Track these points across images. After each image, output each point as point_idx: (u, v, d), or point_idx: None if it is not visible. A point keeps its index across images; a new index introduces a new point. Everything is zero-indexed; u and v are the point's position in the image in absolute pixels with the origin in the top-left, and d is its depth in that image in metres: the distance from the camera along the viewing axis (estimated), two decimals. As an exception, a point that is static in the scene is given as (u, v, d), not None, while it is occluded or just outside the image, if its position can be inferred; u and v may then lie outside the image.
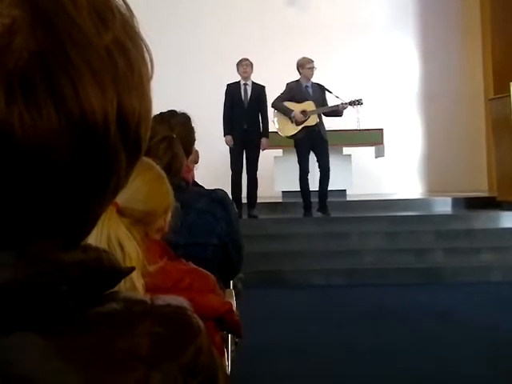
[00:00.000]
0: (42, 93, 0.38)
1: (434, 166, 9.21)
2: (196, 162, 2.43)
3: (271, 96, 6.42)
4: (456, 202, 7.28)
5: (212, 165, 7.35)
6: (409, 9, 9.53)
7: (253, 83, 6.42)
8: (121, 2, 0.43)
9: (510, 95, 6.29)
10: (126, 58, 0.41)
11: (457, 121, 9.12)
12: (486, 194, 7.91)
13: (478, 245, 5.91)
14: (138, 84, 0.42)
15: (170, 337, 0.44)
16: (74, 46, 0.38)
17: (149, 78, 0.44)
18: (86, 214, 0.43)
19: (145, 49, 0.44)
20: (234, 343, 2.01)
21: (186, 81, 8.94)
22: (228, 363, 1.85)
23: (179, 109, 2.12)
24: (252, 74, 6.44)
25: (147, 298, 0.47)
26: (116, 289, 0.46)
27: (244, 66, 6.37)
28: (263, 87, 6.40)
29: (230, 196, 6.60)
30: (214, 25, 9.22)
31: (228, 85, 6.48)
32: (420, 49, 9.53)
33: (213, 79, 6.78)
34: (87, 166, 0.40)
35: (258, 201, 6.82)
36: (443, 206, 7.22)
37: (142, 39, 0.44)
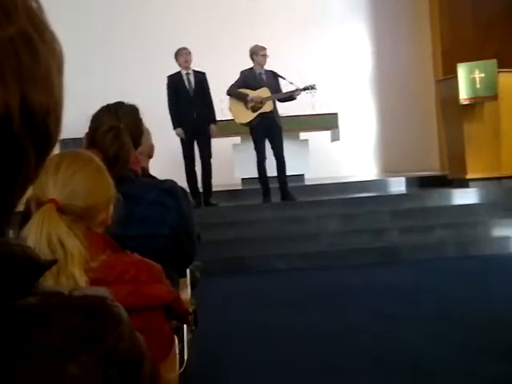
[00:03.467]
0: None
1: (388, 148, 9.40)
2: (150, 156, 2.41)
3: (225, 84, 6.42)
4: (410, 182, 7.45)
5: (169, 156, 7.32)
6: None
7: (194, 71, 6.39)
8: None
9: (456, 76, 6.45)
10: (31, 51, 0.41)
11: (408, 103, 9.32)
12: (438, 173, 8.13)
13: (432, 222, 6.07)
14: (45, 77, 0.42)
15: (87, 327, 0.44)
16: None
17: (59, 70, 0.44)
18: None
19: (54, 41, 0.43)
20: (191, 331, 2.03)
21: (133, 72, 8.84)
22: (184, 351, 1.87)
23: (128, 100, 2.11)
24: (193, 63, 6.39)
25: (65, 289, 0.47)
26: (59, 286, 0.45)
27: (185, 55, 6.31)
28: (204, 74, 6.40)
29: (187, 186, 6.55)
30: (162, 14, 9.12)
31: (169, 76, 6.40)
32: (371, 34, 9.65)
33: (162, 69, 6.71)
34: None
35: (218, 189, 6.83)
36: (398, 185, 7.38)
37: (51, 32, 0.43)
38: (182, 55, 6.35)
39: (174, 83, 6.35)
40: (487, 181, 6.50)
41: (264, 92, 6.24)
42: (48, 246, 1.05)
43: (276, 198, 6.49)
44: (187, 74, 6.38)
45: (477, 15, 8.54)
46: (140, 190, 1.85)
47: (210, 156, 6.39)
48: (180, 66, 6.39)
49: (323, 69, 9.18)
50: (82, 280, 1.04)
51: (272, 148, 6.31)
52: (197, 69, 6.44)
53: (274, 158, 6.32)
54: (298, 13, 9.26)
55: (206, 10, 9.16)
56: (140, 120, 2.02)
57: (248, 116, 6.31)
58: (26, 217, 1.27)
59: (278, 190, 6.44)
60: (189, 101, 6.28)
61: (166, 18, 9.08)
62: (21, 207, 1.47)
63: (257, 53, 6.25)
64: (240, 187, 7.80)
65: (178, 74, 6.40)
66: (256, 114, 6.26)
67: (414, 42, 9.51)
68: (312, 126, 8.03)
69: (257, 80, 6.29)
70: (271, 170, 6.37)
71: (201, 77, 6.38)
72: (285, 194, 6.43)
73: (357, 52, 9.59)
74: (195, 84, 6.35)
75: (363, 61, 9.63)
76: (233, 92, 6.34)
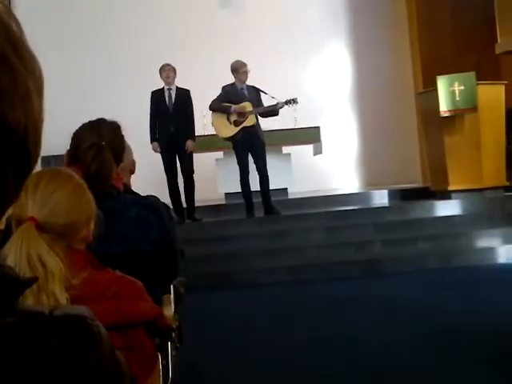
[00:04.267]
0: None
1: (370, 161, 9.47)
2: (132, 172, 2.41)
3: (207, 99, 6.45)
4: (392, 194, 7.50)
5: (152, 172, 7.31)
6: (339, 11, 9.76)
7: (177, 88, 6.45)
8: (7, 16, 0.42)
9: (436, 89, 6.54)
10: (9, 72, 0.41)
11: (389, 116, 9.42)
12: (420, 185, 8.20)
13: (415, 234, 6.11)
14: (24, 98, 0.42)
15: (67, 346, 0.44)
16: None
17: (39, 92, 0.44)
18: None
19: (34, 63, 0.44)
20: (175, 348, 2.01)
21: (117, 87, 8.84)
22: (169, 368, 1.85)
23: (112, 115, 2.11)
24: (176, 79, 6.45)
25: (46, 309, 0.46)
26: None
27: (166, 71, 6.39)
28: (188, 91, 6.44)
29: (170, 201, 6.52)
30: (147, 29, 9.15)
31: (152, 92, 6.50)
32: (351, 48, 9.78)
33: (146, 84, 6.74)
34: None
35: (202, 204, 6.82)
36: (380, 198, 7.43)
37: (30, 53, 0.44)
38: (164, 71, 6.44)
39: (156, 98, 6.43)
40: (469, 192, 6.56)
41: (246, 106, 6.27)
42: (28, 265, 1.05)
43: (260, 212, 6.49)
44: (169, 89, 6.43)
45: (455, 28, 8.70)
46: (122, 206, 1.85)
47: (191, 171, 6.40)
48: (163, 81, 6.45)
49: (304, 83, 9.26)
50: (63, 298, 1.03)
51: (255, 162, 6.33)
52: (180, 84, 6.48)
53: (256, 172, 6.33)
54: (280, 29, 9.35)
55: (190, 25, 9.21)
56: (122, 137, 2.02)
57: (231, 130, 6.32)
58: (6, 235, 1.26)
59: (261, 204, 6.44)
60: (167, 116, 6.33)
61: (151, 33, 9.12)
62: (1, 226, 1.46)
63: (237, 70, 6.29)
64: (223, 202, 7.79)
65: (161, 89, 6.46)
66: (238, 128, 6.28)
67: (393, 56, 9.65)
68: (294, 139, 8.08)
69: (238, 95, 6.32)
70: (255, 185, 6.38)
71: (184, 93, 6.42)
72: (268, 208, 6.44)
73: (337, 66, 9.69)
74: (175, 100, 6.39)
75: (344, 75, 9.73)
76: (215, 106, 6.36)
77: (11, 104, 0.41)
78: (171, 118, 6.30)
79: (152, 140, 6.38)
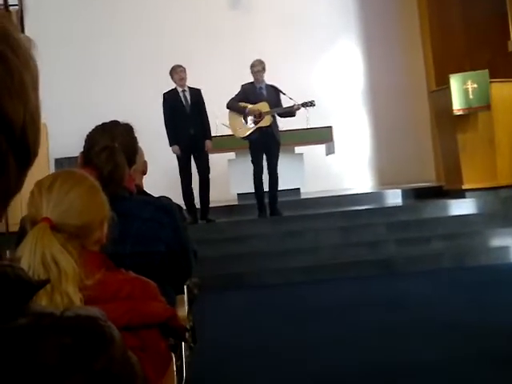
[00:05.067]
0: None
1: (384, 160, 9.42)
2: (144, 173, 2.42)
3: (219, 100, 6.46)
4: (406, 194, 7.46)
5: (164, 172, 7.34)
6: (350, 9, 9.72)
7: (189, 88, 6.42)
8: (4, 20, 0.44)
9: (449, 87, 6.49)
10: (4, 66, 0.43)
11: (402, 114, 9.36)
12: (434, 184, 8.15)
13: (429, 233, 6.07)
14: (20, 91, 0.44)
15: (79, 348, 0.44)
16: None
17: (34, 84, 0.46)
18: None
19: (29, 57, 0.46)
20: (189, 348, 2.02)
21: (130, 89, 8.88)
22: (183, 368, 1.86)
23: (123, 115, 2.12)
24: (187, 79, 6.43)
25: (57, 310, 0.47)
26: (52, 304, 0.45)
27: (179, 72, 6.34)
28: (199, 90, 6.43)
29: (183, 203, 6.52)
30: (156, 30, 9.19)
31: (165, 94, 6.43)
32: (362, 46, 9.73)
33: (158, 84, 6.76)
34: None
35: (214, 204, 6.83)
36: (394, 198, 7.39)
37: (25, 49, 0.46)
38: (176, 73, 6.37)
39: (171, 100, 6.36)
40: (483, 191, 6.51)
41: (263, 106, 6.26)
42: (42, 265, 1.06)
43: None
44: (183, 91, 6.40)
45: (467, 25, 8.62)
46: (135, 207, 1.86)
47: (208, 171, 6.41)
48: (175, 83, 6.42)
49: (316, 82, 9.25)
50: (77, 298, 1.04)
51: (267, 161, 6.33)
52: (192, 85, 6.47)
53: (267, 173, 6.34)
54: (290, 29, 9.34)
55: (202, 25, 9.23)
56: (135, 139, 2.03)
57: (246, 130, 6.33)
58: (21, 236, 1.28)
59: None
60: (186, 118, 6.29)
61: (160, 35, 9.15)
62: (16, 227, 1.48)
63: (251, 68, 6.31)
64: (236, 203, 7.80)
65: (174, 91, 6.41)
66: (255, 127, 6.28)
67: (405, 54, 9.59)
68: (307, 139, 8.06)
69: (256, 94, 6.31)
70: (267, 186, 6.38)
71: (196, 93, 6.41)
72: (273, 210, 6.45)
73: (348, 65, 9.66)
74: (191, 101, 6.37)
75: (355, 73, 9.69)
76: (232, 105, 6.36)
77: (8, 95, 0.42)
78: (190, 119, 6.26)
79: (171, 143, 6.32)
